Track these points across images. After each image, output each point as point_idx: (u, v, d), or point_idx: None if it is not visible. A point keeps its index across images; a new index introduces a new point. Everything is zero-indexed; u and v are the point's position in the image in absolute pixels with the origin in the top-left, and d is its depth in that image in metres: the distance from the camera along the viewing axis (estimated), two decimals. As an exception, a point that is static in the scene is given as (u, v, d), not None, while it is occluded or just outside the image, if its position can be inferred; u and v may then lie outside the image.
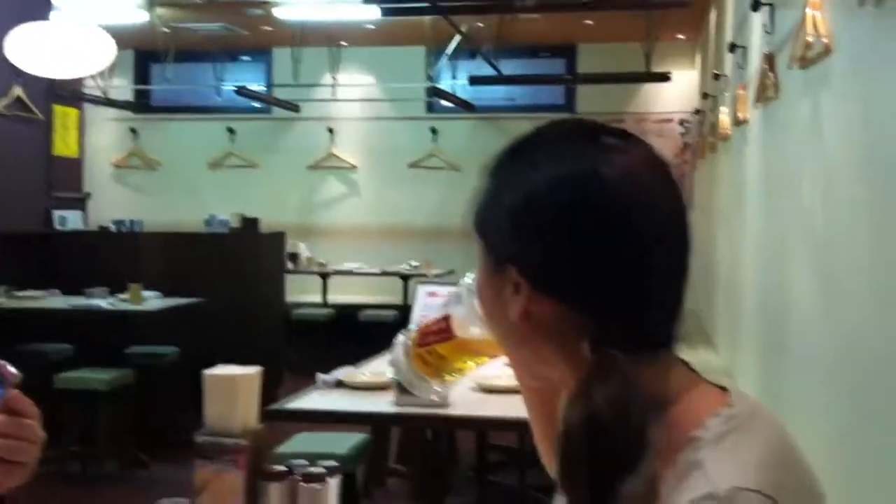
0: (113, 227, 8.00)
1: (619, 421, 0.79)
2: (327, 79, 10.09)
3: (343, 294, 9.35)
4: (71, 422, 5.41)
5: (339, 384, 3.35)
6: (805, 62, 3.01)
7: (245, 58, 10.70)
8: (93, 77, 8.48)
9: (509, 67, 9.08)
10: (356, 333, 8.24)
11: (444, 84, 9.61)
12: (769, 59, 3.76)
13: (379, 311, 8.79)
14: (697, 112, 8.78)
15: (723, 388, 0.88)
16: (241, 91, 9.07)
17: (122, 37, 6.72)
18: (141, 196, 10.47)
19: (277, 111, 10.08)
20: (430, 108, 10.27)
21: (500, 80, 8.81)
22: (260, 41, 9.92)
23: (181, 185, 10.39)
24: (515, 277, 0.87)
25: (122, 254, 7.16)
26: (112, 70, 8.47)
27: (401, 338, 1.13)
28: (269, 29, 9.20)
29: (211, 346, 5.54)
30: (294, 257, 9.12)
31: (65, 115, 8.16)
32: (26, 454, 1.03)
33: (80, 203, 8.41)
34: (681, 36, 9.45)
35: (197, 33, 9.32)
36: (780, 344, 3.88)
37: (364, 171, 10.39)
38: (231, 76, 10.17)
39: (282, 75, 9.99)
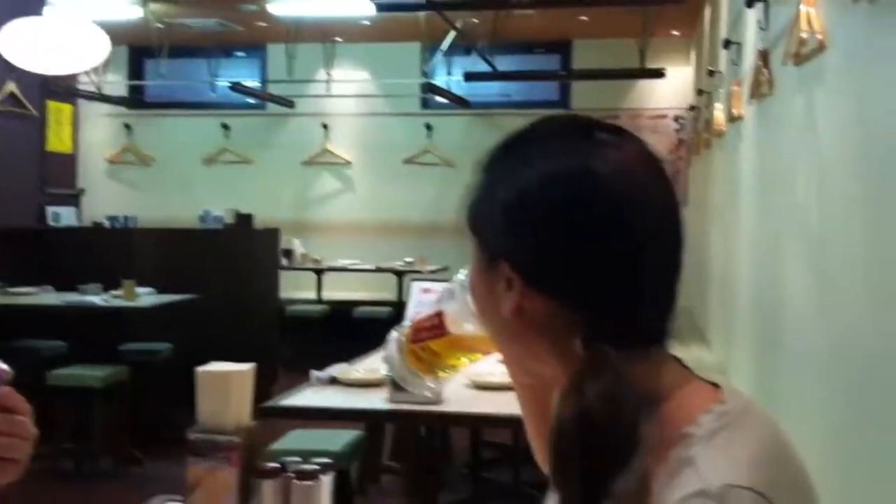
0: (107, 223, 7.98)
1: (610, 417, 0.79)
2: (322, 75, 10.07)
3: (337, 290, 9.35)
4: (64, 419, 5.40)
5: (333, 381, 3.35)
6: (799, 58, 3.01)
7: (239, 53, 10.68)
8: (87, 73, 8.45)
9: (504, 63, 9.08)
10: (350, 330, 8.24)
11: (439, 80, 9.60)
12: (763, 56, 3.76)
13: (373, 308, 8.78)
14: (692, 108, 8.78)
15: (715, 385, 0.88)
16: (236, 87, 9.06)
17: (116, 32, 6.70)
18: (135, 192, 10.45)
19: (272, 107, 10.07)
20: (425, 104, 10.26)
21: (494, 76, 8.81)
22: (254, 37, 9.90)
23: (175, 180, 10.37)
24: (508, 273, 0.87)
25: (115, 250, 7.15)
26: (106, 66, 8.45)
27: (394, 334, 1.12)
28: (264, 25, 9.19)
29: (205, 343, 5.54)
30: (288, 253, 9.11)
31: (58, 111, 8.14)
32: (18, 451, 1.03)
33: (73, 199, 8.39)
34: (675, 32, 9.45)
35: (191, 29, 9.30)
36: (774, 340, 3.89)
37: (358, 167, 10.38)
38: (225, 72, 10.14)
39: (276, 71, 9.98)
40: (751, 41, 4.54)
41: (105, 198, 9.65)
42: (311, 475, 1.70)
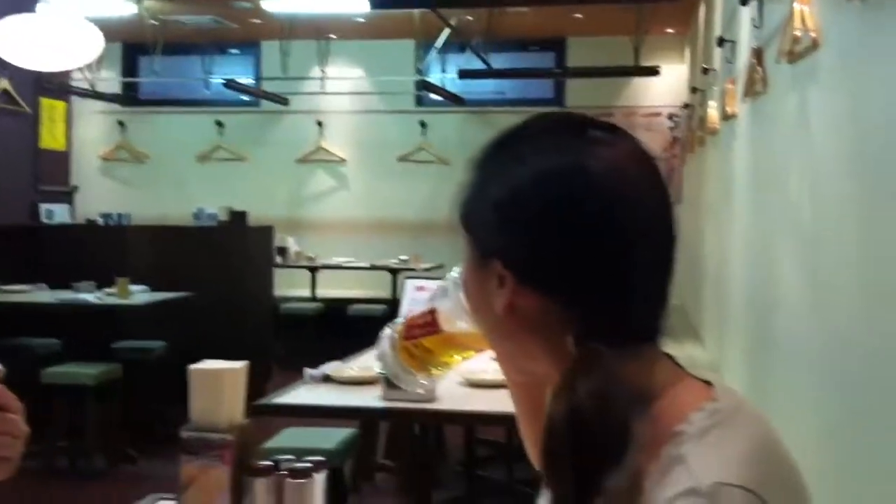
0: (100, 221, 7.97)
1: (602, 415, 0.79)
2: (316, 72, 10.06)
3: (332, 288, 9.34)
4: (58, 417, 5.38)
5: (327, 379, 3.34)
6: (793, 57, 3.01)
7: (234, 51, 10.66)
8: (80, 70, 8.44)
9: (499, 61, 9.08)
10: (345, 327, 8.23)
11: (434, 77, 9.60)
12: (757, 54, 3.77)
13: (368, 306, 8.77)
14: (686, 106, 8.80)
15: (707, 383, 0.88)
16: (230, 84, 9.05)
17: (110, 29, 6.68)
18: (129, 189, 10.44)
19: (266, 104, 10.06)
20: (420, 101, 10.26)
21: (489, 73, 8.82)
22: (249, 34, 9.89)
23: (169, 178, 10.36)
24: (500, 271, 0.87)
25: (109, 247, 7.13)
26: (100, 63, 8.43)
27: (387, 331, 1.12)
28: (258, 22, 9.18)
29: (199, 341, 5.54)
30: (283, 251, 9.11)
31: (52, 108, 8.13)
32: (10, 449, 1.03)
33: (67, 196, 8.38)
34: (670, 30, 9.46)
35: (185, 26, 9.29)
36: (767, 338, 3.89)
37: (353, 164, 10.38)
38: (219, 69, 10.13)
39: (270, 68, 9.96)
40: (745, 39, 4.55)
41: (99, 195, 9.63)
42: (305, 473, 1.70)
